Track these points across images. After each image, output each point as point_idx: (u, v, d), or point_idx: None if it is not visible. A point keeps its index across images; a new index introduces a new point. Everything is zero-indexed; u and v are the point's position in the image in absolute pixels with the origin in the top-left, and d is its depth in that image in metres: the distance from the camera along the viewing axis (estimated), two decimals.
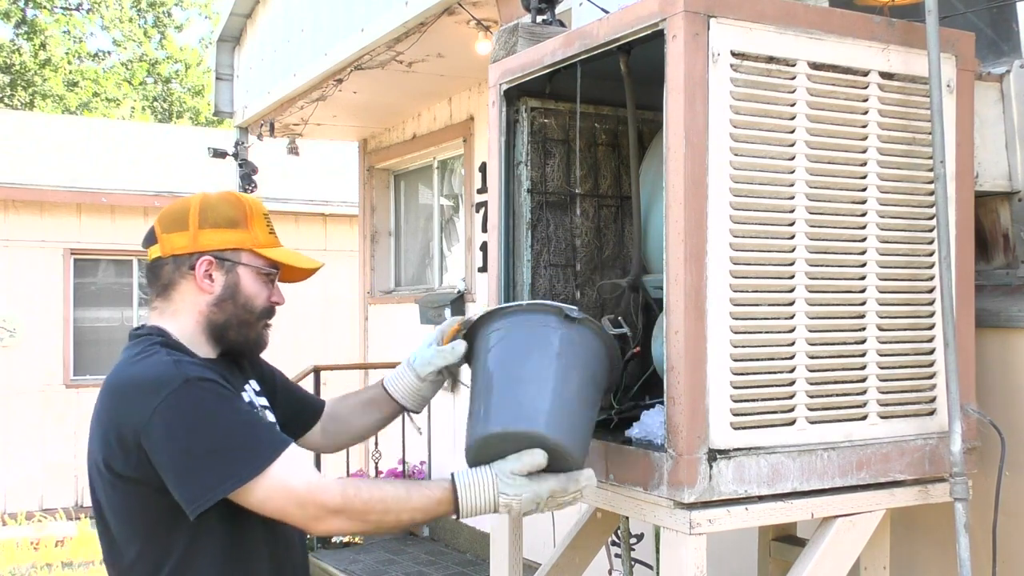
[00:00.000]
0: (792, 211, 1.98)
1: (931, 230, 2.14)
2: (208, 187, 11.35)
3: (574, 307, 1.95)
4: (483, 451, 1.83)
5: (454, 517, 1.81)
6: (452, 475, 1.81)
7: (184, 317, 1.90)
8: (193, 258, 1.87)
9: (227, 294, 1.89)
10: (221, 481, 1.69)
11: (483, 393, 1.89)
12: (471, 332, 2.04)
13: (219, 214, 1.90)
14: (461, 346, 2.05)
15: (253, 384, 2.04)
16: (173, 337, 1.88)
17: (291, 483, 1.72)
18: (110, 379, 1.82)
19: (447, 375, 2.14)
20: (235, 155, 8.12)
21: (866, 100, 2.07)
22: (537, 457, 1.78)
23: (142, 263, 11.20)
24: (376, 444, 7.31)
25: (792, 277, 1.99)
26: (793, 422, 1.98)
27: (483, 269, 6.30)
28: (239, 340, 1.93)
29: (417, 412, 2.22)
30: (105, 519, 1.83)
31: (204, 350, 1.91)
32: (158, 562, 1.78)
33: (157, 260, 1.90)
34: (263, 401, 2.03)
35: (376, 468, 6.89)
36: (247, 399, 1.93)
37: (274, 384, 2.13)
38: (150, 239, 1.93)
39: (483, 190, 6.44)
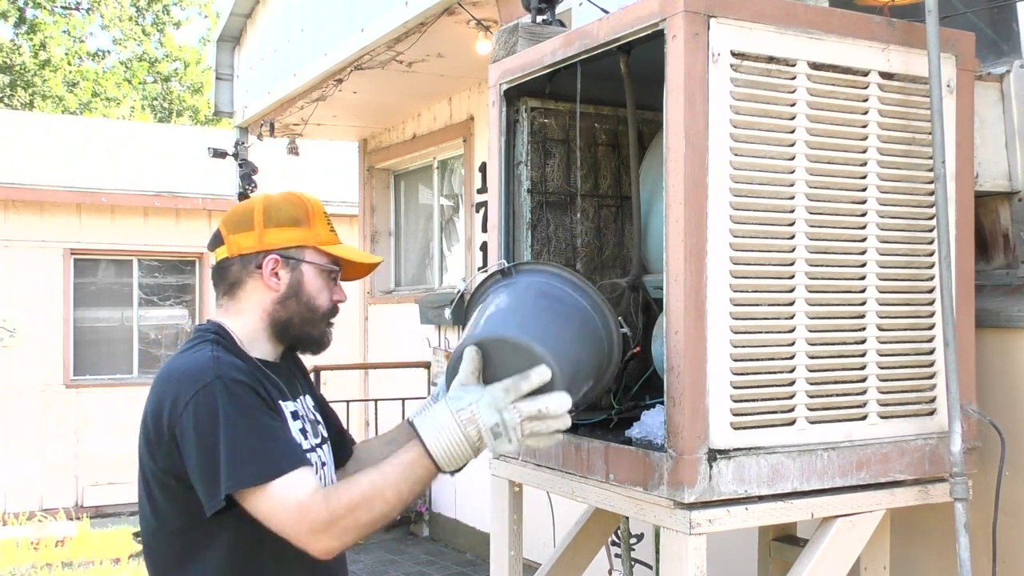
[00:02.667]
0: (792, 211, 1.99)
1: (931, 230, 2.14)
2: (208, 187, 11.37)
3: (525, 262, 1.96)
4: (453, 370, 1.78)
5: (447, 473, 1.71)
6: (410, 422, 1.76)
7: (248, 315, 1.93)
8: (260, 257, 1.91)
9: (291, 292, 1.92)
10: (228, 480, 1.69)
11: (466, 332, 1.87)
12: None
13: (283, 213, 1.94)
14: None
15: (308, 400, 2.03)
16: (232, 334, 1.91)
17: (290, 501, 1.69)
18: (159, 371, 1.88)
19: None
20: (235, 155, 8.12)
21: (866, 100, 2.07)
22: (471, 354, 1.72)
23: (142, 263, 11.34)
24: None
25: (792, 277, 1.99)
26: (793, 422, 1.98)
27: (483, 269, 6.30)
28: (302, 337, 1.96)
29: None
30: (145, 509, 1.86)
31: (264, 349, 1.94)
32: (183, 560, 1.80)
33: (224, 260, 1.94)
34: (319, 416, 2.04)
35: None
36: (293, 409, 1.92)
37: (325, 411, 2.13)
38: (216, 241, 1.97)
39: (483, 190, 6.44)
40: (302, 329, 1.94)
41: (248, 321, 1.93)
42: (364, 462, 2.08)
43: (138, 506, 1.91)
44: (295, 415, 1.91)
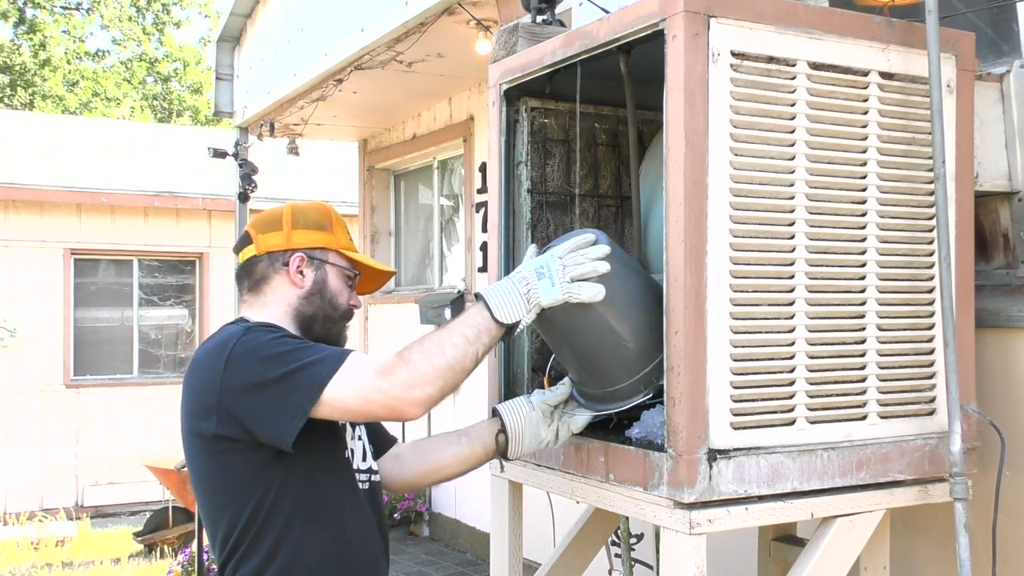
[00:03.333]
0: (792, 211, 1.98)
1: (931, 230, 2.14)
2: (208, 187, 11.35)
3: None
4: None
5: (506, 327, 1.82)
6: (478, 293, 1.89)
7: (273, 308, 2.02)
8: (287, 255, 2.02)
9: (315, 289, 2.03)
10: (306, 396, 1.76)
11: None
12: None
13: (309, 218, 2.07)
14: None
15: None
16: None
17: (367, 368, 1.78)
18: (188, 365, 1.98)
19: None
20: (235, 155, 8.11)
21: (866, 100, 2.07)
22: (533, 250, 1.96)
23: (142, 263, 11.34)
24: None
25: (792, 277, 1.99)
26: (793, 422, 1.98)
27: (483, 269, 6.30)
28: (324, 334, 2.03)
29: (522, 454, 2.09)
30: (203, 489, 1.93)
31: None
32: (247, 523, 1.86)
33: (252, 259, 2.05)
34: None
35: None
36: None
37: None
38: (243, 243, 2.07)
39: (483, 190, 6.44)
40: (324, 325, 2.03)
41: (273, 313, 2.01)
42: (421, 449, 2.21)
43: (198, 499, 1.97)
44: None
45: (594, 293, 1.84)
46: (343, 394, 1.77)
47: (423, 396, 1.77)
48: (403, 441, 2.27)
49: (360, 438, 2.09)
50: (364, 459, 2.07)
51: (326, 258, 2.05)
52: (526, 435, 2.06)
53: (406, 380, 1.76)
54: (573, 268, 1.84)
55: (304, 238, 2.04)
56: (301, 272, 2.02)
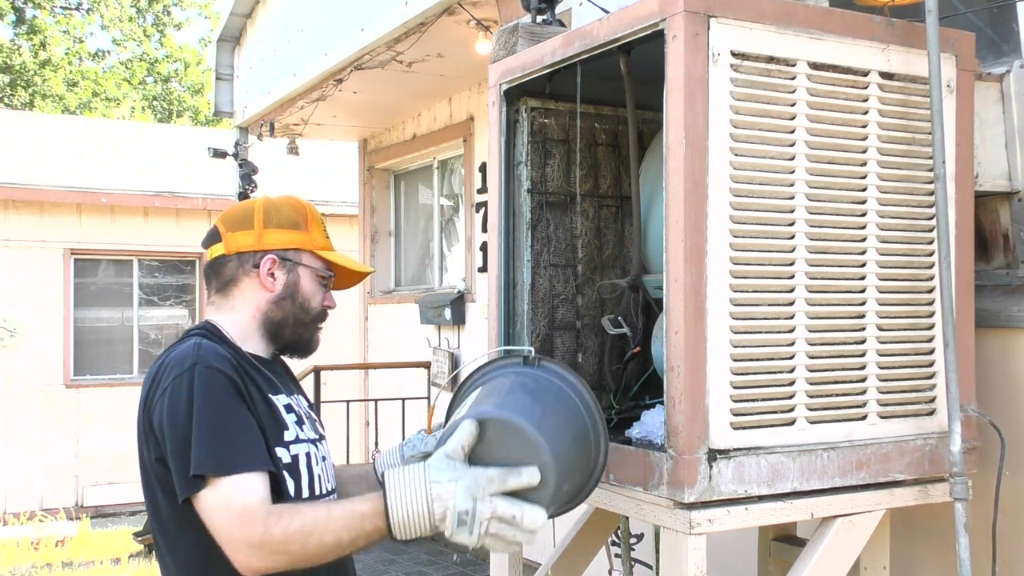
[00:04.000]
0: (792, 211, 1.99)
1: (931, 230, 2.14)
2: (208, 187, 11.34)
3: (530, 349, 1.84)
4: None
5: (393, 538, 1.60)
6: (382, 475, 1.66)
7: (241, 312, 1.92)
8: (257, 256, 1.91)
9: (287, 292, 1.93)
10: (194, 465, 1.65)
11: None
12: (450, 408, 1.87)
13: (282, 215, 1.95)
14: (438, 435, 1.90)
15: (302, 400, 2.01)
16: (223, 331, 1.90)
17: (235, 503, 1.64)
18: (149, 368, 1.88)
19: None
20: (235, 155, 8.12)
21: (866, 100, 2.07)
22: (470, 428, 1.59)
23: (142, 263, 11.34)
24: (376, 444, 7.30)
25: (792, 277, 1.99)
26: (793, 422, 1.98)
27: (483, 269, 6.30)
28: (293, 339, 1.96)
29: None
30: (148, 501, 1.83)
31: (256, 346, 1.93)
32: (169, 543, 1.79)
33: (220, 258, 1.93)
34: (314, 415, 2.01)
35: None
36: (286, 402, 1.89)
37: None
38: (212, 238, 1.96)
39: (483, 190, 6.44)
40: (295, 330, 1.94)
41: (241, 318, 1.92)
42: (342, 484, 2.03)
43: (144, 502, 1.88)
44: (289, 408, 1.90)
45: (508, 551, 1.64)
46: (205, 506, 1.65)
47: (260, 567, 1.63)
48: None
49: (325, 458, 1.94)
50: (327, 479, 1.93)
51: (299, 259, 1.94)
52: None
53: (256, 544, 1.61)
54: (493, 538, 1.57)
55: (276, 238, 1.92)
56: (272, 275, 1.91)
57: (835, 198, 2.04)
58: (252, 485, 1.66)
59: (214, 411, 1.70)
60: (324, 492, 1.88)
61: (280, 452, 1.79)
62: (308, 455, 1.86)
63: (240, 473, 1.66)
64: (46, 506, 10.51)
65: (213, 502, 1.65)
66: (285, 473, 1.77)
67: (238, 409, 1.74)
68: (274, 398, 1.87)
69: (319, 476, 1.87)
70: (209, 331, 1.88)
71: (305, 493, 1.82)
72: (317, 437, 1.95)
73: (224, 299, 1.94)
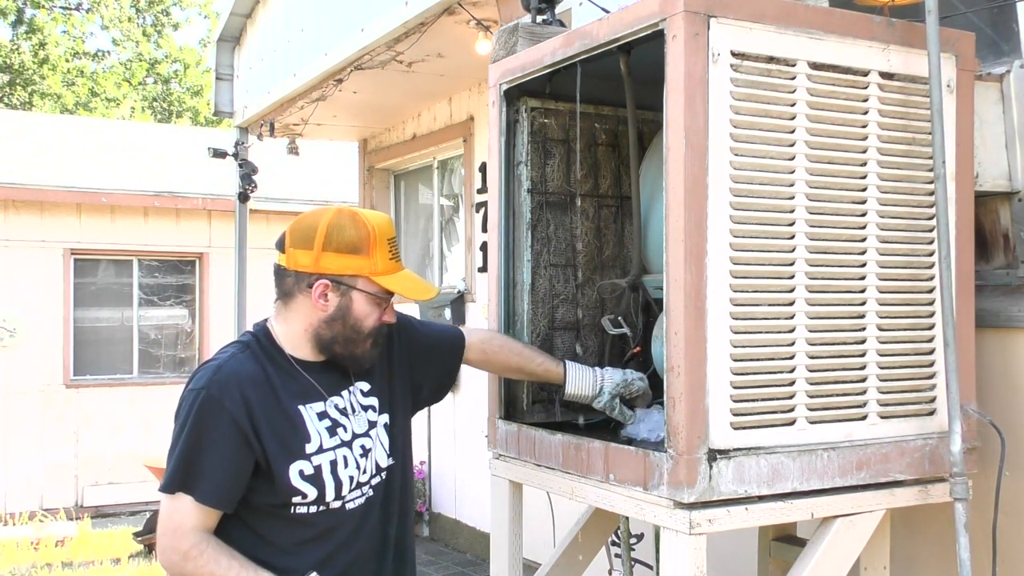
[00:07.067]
0: (792, 211, 1.98)
1: (931, 230, 2.14)
2: (208, 187, 11.31)
3: None
4: None
5: None
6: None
7: (295, 325, 2.02)
8: (312, 278, 1.98)
9: (338, 315, 1.99)
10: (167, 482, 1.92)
11: None
12: None
13: (343, 238, 1.97)
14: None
15: (361, 386, 2.10)
16: (276, 337, 2.03)
17: (174, 519, 1.89)
18: None
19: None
20: (235, 155, 8.12)
21: (866, 100, 2.07)
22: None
23: (142, 263, 11.33)
24: None
25: (792, 277, 1.99)
26: (793, 422, 1.98)
27: (483, 269, 6.30)
28: (343, 355, 2.03)
29: (572, 396, 2.30)
30: None
31: (307, 352, 2.03)
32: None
33: (282, 269, 2.02)
34: (371, 402, 2.09)
35: None
36: (321, 409, 2.00)
37: (408, 359, 2.20)
38: (280, 245, 2.04)
39: (483, 190, 6.44)
40: (345, 347, 2.02)
41: (294, 330, 2.02)
42: (502, 350, 2.34)
43: None
44: (322, 415, 1.98)
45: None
46: (162, 506, 1.93)
47: (169, 571, 1.92)
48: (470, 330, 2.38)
49: (368, 452, 2.05)
50: (363, 472, 2.03)
51: (354, 284, 1.97)
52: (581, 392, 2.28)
53: (172, 559, 1.89)
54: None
55: (332, 263, 1.95)
56: (324, 297, 1.97)
57: (835, 198, 2.04)
58: (193, 512, 1.89)
59: (197, 437, 1.90)
60: (355, 487, 2.00)
61: (302, 465, 1.94)
62: (333, 463, 1.97)
63: (190, 496, 1.89)
64: (46, 506, 10.50)
65: (165, 507, 1.92)
66: (307, 483, 1.94)
67: (221, 444, 1.91)
68: (303, 408, 1.97)
69: (351, 478, 1.99)
70: (257, 338, 2.03)
71: (329, 497, 1.96)
72: (362, 431, 2.04)
73: (283, 307, 2.04)
